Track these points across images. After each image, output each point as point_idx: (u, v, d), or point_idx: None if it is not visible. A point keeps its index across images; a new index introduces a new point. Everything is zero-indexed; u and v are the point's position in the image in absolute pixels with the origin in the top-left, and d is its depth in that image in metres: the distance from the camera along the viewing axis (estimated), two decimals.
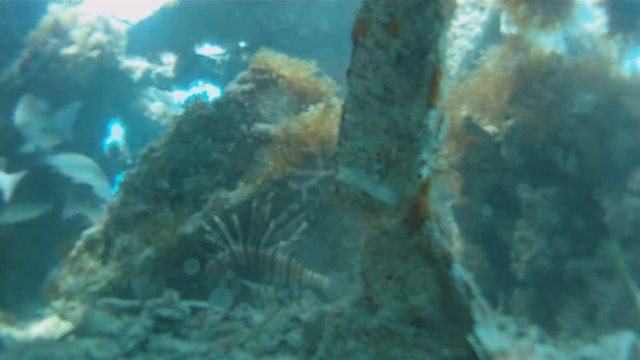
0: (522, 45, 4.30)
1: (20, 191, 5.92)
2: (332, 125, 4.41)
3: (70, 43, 7.00)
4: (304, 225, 4.12)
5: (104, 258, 4.70)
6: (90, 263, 4.74)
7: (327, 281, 4.21)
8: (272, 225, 4.12)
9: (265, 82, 4.81)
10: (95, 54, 7.13)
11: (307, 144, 4.43)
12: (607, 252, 3.74)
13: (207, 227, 4.19)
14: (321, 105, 4.56)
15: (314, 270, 4.27)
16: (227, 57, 8.30)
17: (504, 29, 5.28)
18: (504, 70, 4.35)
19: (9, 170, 5.97)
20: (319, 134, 4.43)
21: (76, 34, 7.03)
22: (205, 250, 4.25)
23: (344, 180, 2.42)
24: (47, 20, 6.94)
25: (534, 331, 3.70)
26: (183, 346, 3.19)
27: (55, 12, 7.05)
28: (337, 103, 4.61)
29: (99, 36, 7.20)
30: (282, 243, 4.16)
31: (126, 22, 7.83)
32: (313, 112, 4.49)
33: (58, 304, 4.64)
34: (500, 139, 4.39)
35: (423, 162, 2.33)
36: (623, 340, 3.09)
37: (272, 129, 4.60)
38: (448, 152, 4.49)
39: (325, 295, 4.23)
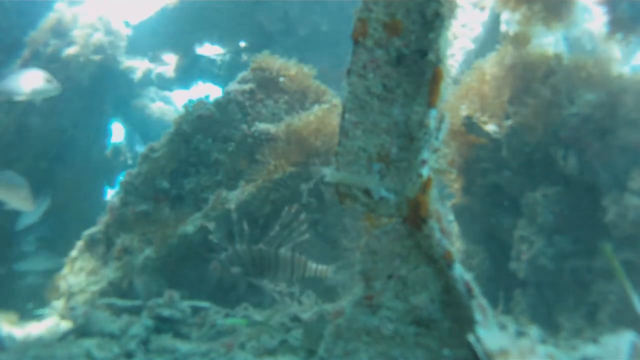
0: (523, 42, 4.28)
1: None
2: (333, 125, 4.40)
3: (70, 43, 7.00)
4: (306, 235, 4.15)
5: (105, 258, 4.71)
6: (91, 263, 4.75)
7: (332, 270, 4.21)
8: (275, 225, 4.12)
9: (266, 81, 4.81)
10: (95, 54, 7.13)
11: (307, 144, 4.43)
12: (603, 253, 3.74)
13: (211, 226, 4.20)
14: (320, 106, 4.56)
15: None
16: (227, 57, 8.30)
17: (504, 28, 5.28)
18: (504, 69, 4.34)
19: None
20: (319, 134, 4.43)
21: (77, 34, 7.03)
22: (207, 250, 4.25)
23: (340, 179, 2.42)
24: (47, 20, 6.95)
25: (534, 331, 3.69)
26: (184, 346, 3.19)
27: (56, 12, 7.05)
28: (337, 103, 4.62)
29: (99, 36, 7.20)
30: (287, 243, 4.17)
31: (126, 22, 7.84)
32: (313, 111, 4.49)
33: (58, 304, 4.65)
34: (501, 138, 4.39)
35: (424, 162, 2.32)
36: (624, 340, 3.08)
37: (273, 128, 4.60)
38: (448, 152, 4.49)
39: (329, 289, 4.23)
